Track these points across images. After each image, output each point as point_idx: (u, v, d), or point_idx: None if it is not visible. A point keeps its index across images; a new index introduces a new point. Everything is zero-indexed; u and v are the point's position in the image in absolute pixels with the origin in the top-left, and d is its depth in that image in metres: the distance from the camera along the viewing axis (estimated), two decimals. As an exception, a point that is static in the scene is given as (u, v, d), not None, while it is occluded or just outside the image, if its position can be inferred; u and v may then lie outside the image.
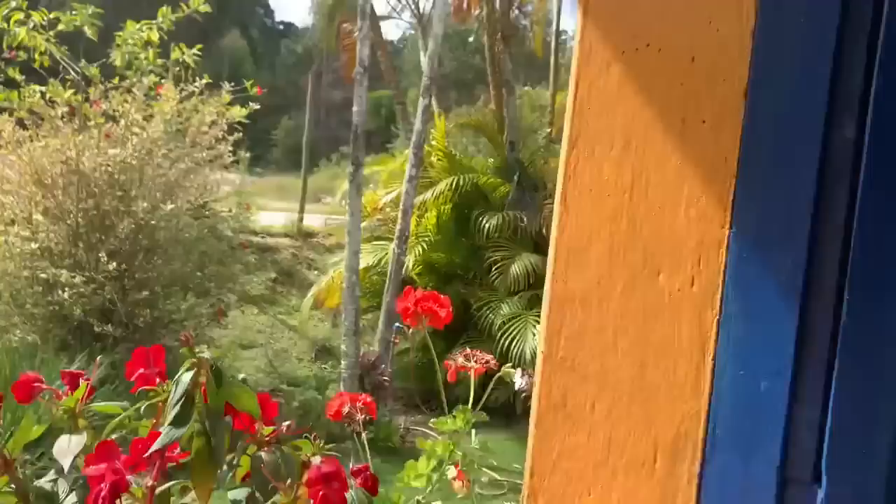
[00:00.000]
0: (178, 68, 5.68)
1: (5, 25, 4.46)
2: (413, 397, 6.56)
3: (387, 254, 6.91)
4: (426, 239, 6.84)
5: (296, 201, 14.55)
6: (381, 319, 6.09)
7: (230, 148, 5.85)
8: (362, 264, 6.89)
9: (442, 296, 1.21)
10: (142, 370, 0.79)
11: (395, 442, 5.39)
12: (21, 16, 4.54)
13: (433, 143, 7.28)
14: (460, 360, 1.24)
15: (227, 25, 56.76)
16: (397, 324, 6.41)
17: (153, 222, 4.97)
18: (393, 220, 7.58)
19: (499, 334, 6.37)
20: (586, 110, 0.64)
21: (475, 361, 1.23)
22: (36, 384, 0.83)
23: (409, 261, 6.61)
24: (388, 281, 6.07)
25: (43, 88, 4.95)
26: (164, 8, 5.20)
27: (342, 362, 5.64)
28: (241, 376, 6.71)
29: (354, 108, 5.22)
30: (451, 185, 7.06)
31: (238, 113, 5.84)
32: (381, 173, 7.85)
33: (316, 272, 9.73)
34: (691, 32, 0.59)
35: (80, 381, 0.85)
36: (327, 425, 5.48)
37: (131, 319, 5.12)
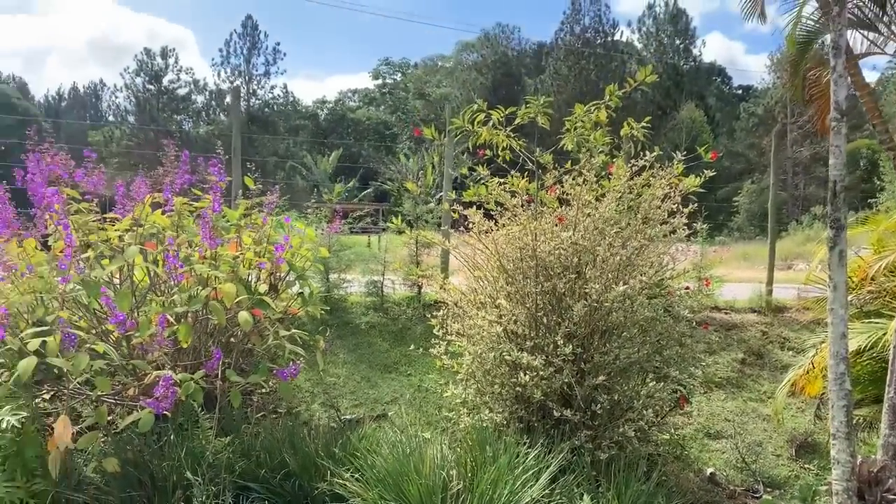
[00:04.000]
0: (629, 145, 5.61)
1: (470, 126, 4.94)
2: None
3: (885, 334, 5.54)
4: (944, 315, 5.27)
5: (762, 270, 13.24)
6: (883, 418, 4.79)
7: (685, 220, 5.47)
8: (851, 347, 5.66)
9: None
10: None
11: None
12: (482, 116, 4.97)
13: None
14: None
15: (683, 98, 57.87)
16: (908, 425, 5.00)
17: (606, 304, 4.81)
18: (889, 292, 6.12)
19: None
20: None
21: None
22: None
23: (922, 344, 5.14)
24: (890, 370, 4.77)
25: (503, 181, 5.30)
26: (611, 85, 5.15)
27: (833, 471, 4.54)
28: (708, 470, 6.07)
29: (831, 161, 4.30)
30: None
31: (692, 183, 5.47)
32: (869, 235, 6.40)
33: (791, 353, 8.48)
34: None
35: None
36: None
37: (589, 405, 4.99)
